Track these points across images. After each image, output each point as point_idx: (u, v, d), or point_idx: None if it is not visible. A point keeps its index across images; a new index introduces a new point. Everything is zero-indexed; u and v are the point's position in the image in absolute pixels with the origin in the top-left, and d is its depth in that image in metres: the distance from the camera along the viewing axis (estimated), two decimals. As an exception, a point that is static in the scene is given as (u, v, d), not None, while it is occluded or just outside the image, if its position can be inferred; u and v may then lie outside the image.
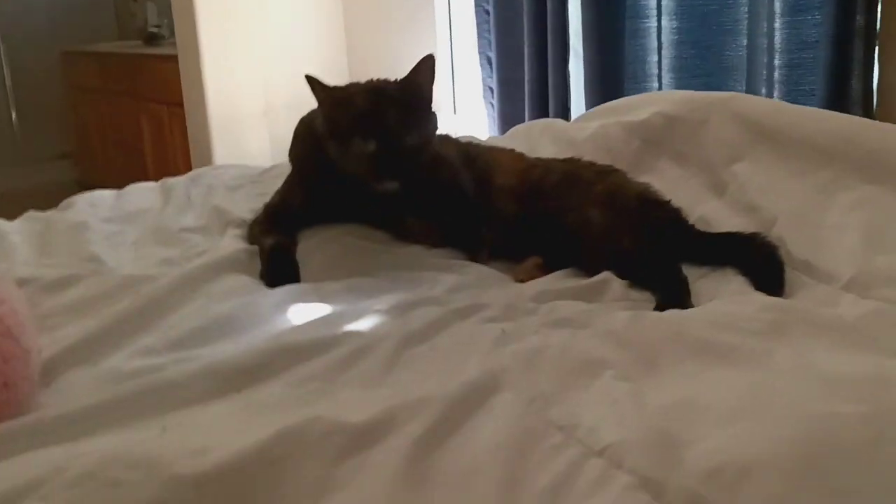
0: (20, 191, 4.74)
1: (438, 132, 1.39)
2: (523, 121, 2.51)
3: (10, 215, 1.58)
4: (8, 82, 5.05)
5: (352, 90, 1.33)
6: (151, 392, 0.88)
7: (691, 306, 1.16)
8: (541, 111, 2.51)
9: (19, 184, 4.87)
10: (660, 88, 2.24)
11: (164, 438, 0.78)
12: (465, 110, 3.03)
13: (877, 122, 1.37)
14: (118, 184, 3.98)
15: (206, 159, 3.15)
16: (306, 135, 1.43)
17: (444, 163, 1.43)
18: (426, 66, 1.32)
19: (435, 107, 1.37)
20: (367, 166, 1.28)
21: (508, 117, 2.66)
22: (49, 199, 1.81)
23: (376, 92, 1.32)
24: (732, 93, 1.68)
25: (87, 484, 0.69)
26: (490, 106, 2.77)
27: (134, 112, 3.96)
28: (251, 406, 0.87)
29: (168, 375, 0.92)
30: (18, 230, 1.49)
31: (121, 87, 4.08)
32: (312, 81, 1.31)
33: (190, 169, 3.26)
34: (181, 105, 3.33)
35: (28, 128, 5.12)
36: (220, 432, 0.80)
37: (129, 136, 4.06)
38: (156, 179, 3.72)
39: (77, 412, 0.84)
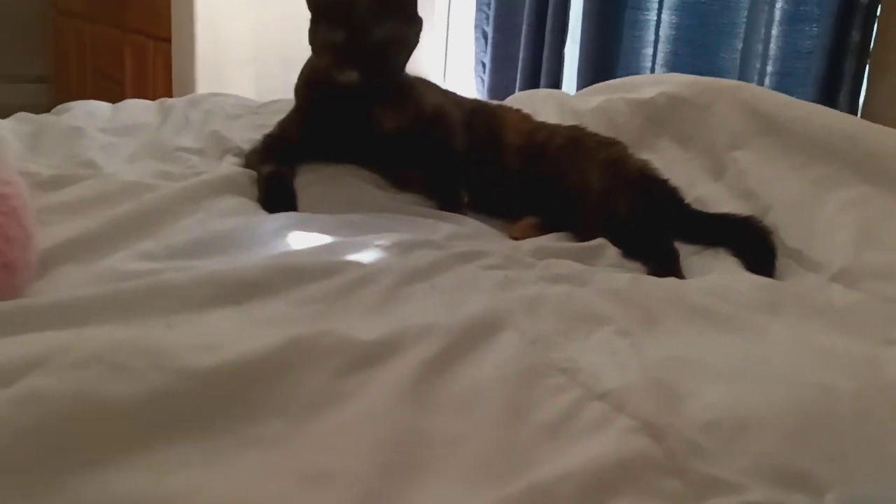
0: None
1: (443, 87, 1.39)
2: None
3: None
4: (-9, 2, 4.91)
5: None
6: (152, 292, 0.87)
7: (683, 277, 1.18)
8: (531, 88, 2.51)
9: (-9, 100, 4.75)
10: (657, 78, 2.25)
11: (170, 333, 0.77)
12: (455, 82, 3.02)
13: (880, 126, 1.39)
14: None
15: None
16: (310, 71, 1.42)
17: (441, 116, 1.43)
18: None
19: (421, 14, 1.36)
20: (329, 54, 1.29)
21: (497, 93, 2.65)
22: None
23: None
24: (740, 82, 1.70)
25: (93, 366, 0.67)
26: (480, 81, 2.77)
27: (118, 43, 3.86)
28: (253, 318, 0.86)
29: (167, 279, 0.90)
30: (9, 128, 1.44)
31: (107, 15, 3.98)
32: None
33: (172, 104, 3.22)
34: (168, 40, 3.26)
35: (5, 46, 4.97)
36: (226, 335, 0.79)
37: (110, 68, 3.95)
38: (134, 111, 3.63)
39: (76, 301, 0.82)
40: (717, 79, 1.68)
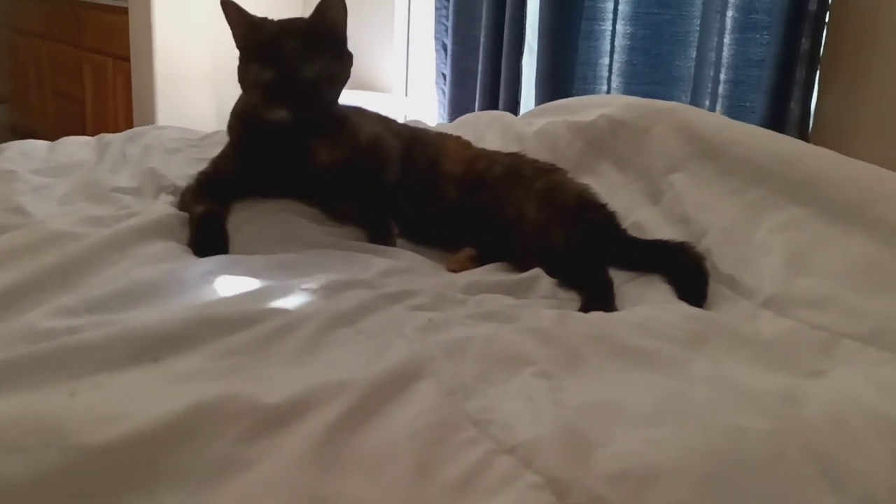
0: (-51, 130, 4.57)
1: (385, 114, 1.39)
2: (473, 109, 2.54)
3: None
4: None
5: (263, 20, 1.34)
6: (65, 354, 0.85)
7: (615, 309, 1.19)
8: (491, 102, 2.53)
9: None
10: (608, 92, 2.28)
11: (72, 403, 0.76)
12: (416, 95, 3.02)
13: (816, 148, 1.41)
14: (54, 133, 3.88)
15: (149, 115, 3.09)
16: (242, 107, 1.42)
17: (375, 147, 1.43)
18: (336, 3, 1.33)
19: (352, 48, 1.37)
20: (259, 93, 1.30)
21: (459, 105, 2.68)
22: None
23: (283, 23, 1.33)
24: (678, 103, 1.72)
25: (-16, 444, 0.66)
26: (441, 92, 2.78)
27: (76, 62, 3.86)
28: (167, 376, 0.86)
29: (84, 338, 0.89)
30: (-59, 172, 1.43)
31: (64, 34, 3.96)
32: (227, 5, 1.32)
33: (131, 123, 3.21)
34: (127, 59, 3.25)
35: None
36: (132, 401, 0.78)
37: (70, 86, 3.95)
38: (94, 131, 3.64)
39: (-18, 369, 0.82)
40: (657, 101, 1.69)
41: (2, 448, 0.67)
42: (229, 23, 1.32)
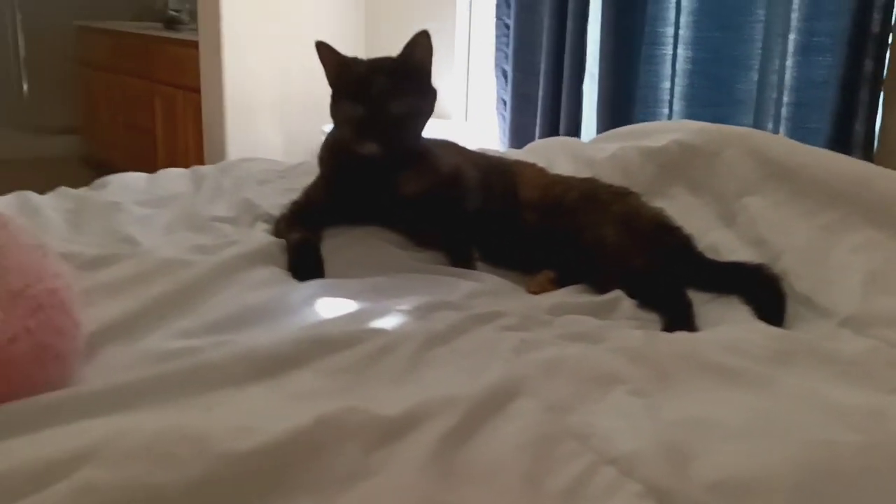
0: (26, 160, 4.78)
1: (463, 145, 1.45)
2: (534, 134, 2.58)
3: (15, 182, 1.60)
4: (22, 52, 5.10)
5: (354, 60, 1.42)
6: (192, 372, 0.93)
7: (697, 329, 1.22)
8: (552, 127, 2.57)
9: (25, 153, 4.92)
10: (670, 115, 2.30)
11: (209, 417, 0.83)
12: (476, 120, 3.09)
13: (886, 170, 1.43)
14: (125, 163, 4.04)
15: (219, 145, 3.19)
16: (333, 141, 1.50)
17: (456, 178, 1.50)
18: (421, 41, 1.40)
19: (435, 84, 1.44)
20: (351, 128, 1.37)
21: (519, 130, 2.72)
22: (53, 170, 1.87)
23: (373, 62, 1.41)
24: (749, 129, 1.75)
25: (142, 455, 0.73)
26: (502, 118, 2.83)
27: (147, 94, 3.99)
28: (286, 392, 0.93)
29: (207, 357, 0.97)
30: (52, 205, 1.53)
31: (134, 67, 4.12)
32: (321, 46, 1.40)
33: (201, 153, 3.33)
34: (196, 90, 3.36)
35: (38, 99, 5.16)
36: (261, 415, 0.85)
37: (141, 118, 4.09)
38: (165, 161, 3.78)
39: (121, 387, 0.89)
40: (727, 126, 1.72)
41: (153, 456, 0.74)
42: (322, 62, 1.40)
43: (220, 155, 3.17)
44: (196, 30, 3.29)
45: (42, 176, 1.69)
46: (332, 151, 1.49)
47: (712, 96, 2.21)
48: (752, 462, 0.81)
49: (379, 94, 1.35)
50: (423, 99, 1.42)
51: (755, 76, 2.15)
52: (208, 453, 0.74)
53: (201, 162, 3.31)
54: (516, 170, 1.60)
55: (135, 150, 4.19)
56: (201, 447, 0.75)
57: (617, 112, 2.37)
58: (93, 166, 4.66)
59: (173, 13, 4.28)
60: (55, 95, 5.12)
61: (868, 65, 1.86)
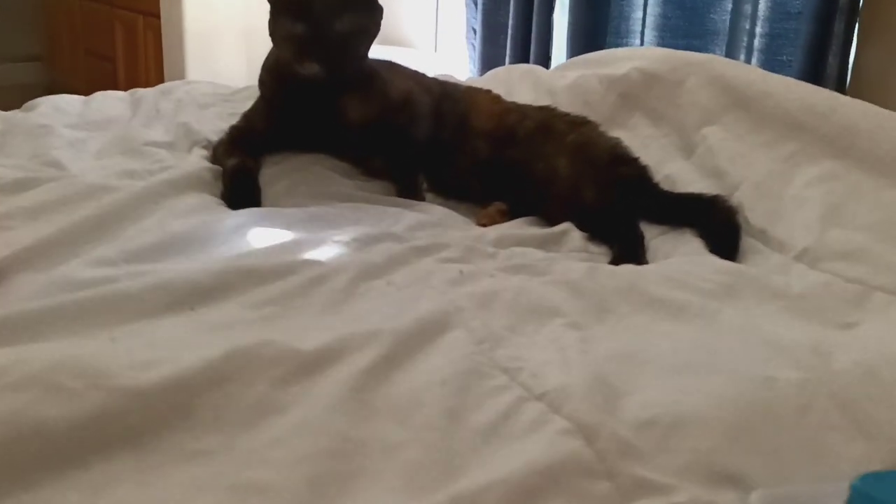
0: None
1: (416, 69, 1.38)
2: (504, 64, 2.51)
3: None
4: (-20, -21, 4.91)
5: None
6: (103, 302, 0.88)
7: (646, 263, 1.19)
8: (522, 57, 2.51)
9: (-15, 81, 4.78)
10: (642, 45, 2.24)
11: (112, 348, 0.79)
12: (446, 49, 3.01)
13: (851, 100, 1.38)
14: (87, 90, 3.90)
15: (180, 72, 3.10)
16: (273, 62, 1.42)
17: (405, 104, 1.43)
18: None
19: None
20: (291, 47, 1.30)
21: (489, 60, 2.65)
22: (15, 99, 1.79)
23: None
24: (713, 55, 1.69)
25: (29, 388, 0.68)
26: (472, 47, 2.76)
27: (108, 19, 3.88)
28: (204, 324, 0.88)
29: (121, 287, 0.91)
30: (-22, 128, 1.45)
31: (96, -10, 3.98)
32: None
33: (162, 80, 3.22)
34: (157, 16, 3.26)
35: (-1, 26, 4.99)
36: (170, 347, 0.80)
37: (102, 44, 3.97)
38: (126, 88, 3.65)
39: (26, 315, 0.84)
40: (691, 53, 1.66)
41: (47, 389, 0.69)
42: None
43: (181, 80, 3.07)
44: (157, -48, 3.16)
45: (6, 105, 1.61)
46: (273, 73, 1.41)
47: (684, 26, 2.16)
48: (684, 399, 0.78)
49: (322, 10, 1.27)
50: (369, 17, 1.34)
51: (728, 6, 2.10)
52: (104, 386, 0.70)
53: (162, 89, 3.22)
54: (470, 97, 1.53)
55: (96, 77, 4.07)
56: (97, 380, 0.70)
57: (588, 42, 2.31)
58: (54, 93, 4.52)
59: (133, -65, 4.11)
60: (16, 23, 4.95)
61: (844, -5, 1.81)
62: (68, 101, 1.68)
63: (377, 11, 1.35)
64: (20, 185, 1.19)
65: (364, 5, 1.33)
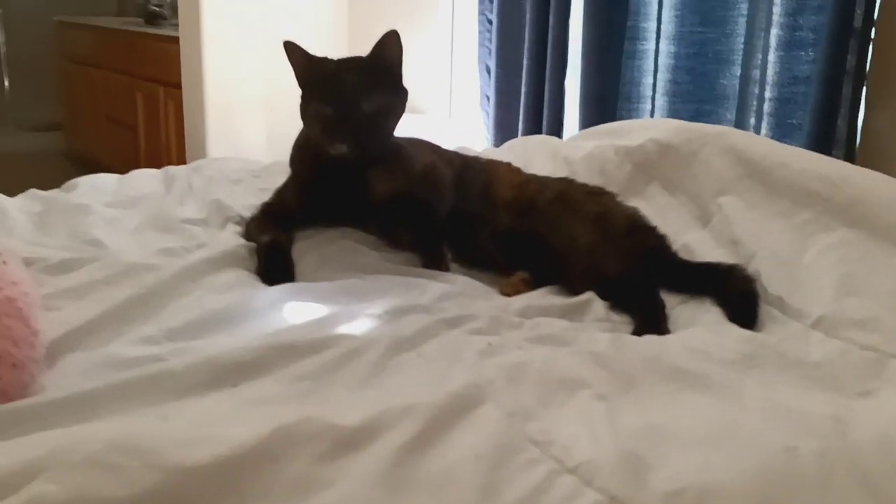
0: (7, 156, 4.76)
1: (437, 142, 1.44)
2: (517, 130, 2.58)
3: None
4: (3, 48, 5.07)
5: (323, 59, 1.41)
6: (151, 380, 0.92)
7: (667, 332, 1.22)
8: (535, 122, 2.56)
9: (7, 148, 4.90)
10: (653, 110, 2.29)
11: (163, 427, 0.82)
12: (460, 115, 3.08)
13: (862, 170, 1.42)
14: (108, 158, 4.01)
15: (201, 142, 3.17)
16: (304, 141, 1.49)
17: (429, 177, 1.49)
18: (391, 41, 1.39)
19: (407, 85, 1.44)
20: (321, 128, 1.37)
21: (503, 126, 2.72)
22: (37, 166, 1.87)
23: (342, 61, 1.40)
24: (726, 127, 1.74)
25: (91, 468, 0.72)
26: (486, 114, 2.83)
27: (129, 89, 3.98)
28: (246, 400, 0.92)
29: (167, 365, 0.96)
30: (20, 208, 1.52)
31: (117, 63, 4.10)
32: (289, 46, 1.39)
33: (182, 149, 3.31)
34: (178, 87, 3.35)
35: (20, 95, 5.14)
36: (217, 424, 0.83)
37: (123, 113, 4.07)
38: (147, 157, 3.75)
39: (80, 396, 0.88)
40: (704, 125, 1.71)
41: (106, 469, 0.72)
42: (291, 62, 1.39)
43: (201, 151, 3.15)
44: (177, 25, 3.26)
45: (23, 172, 1.68)
46: (303, 152, 1.48)
47: (695, 91, 2.20)
48: (710, 470, 0.80)
49: (349, 93, 1.34)
50: (395, 98, 1.41)
51: (738, 71, 2.14)
52: (159, 465, 0.73)
53: (183, 158, 3.30)
54: (490, 169, 1.59)
55: (117, 146, 4.17)
56: (153, 458, 0.74)
57: (600, 107, 2.36)
58: (75, 162, 4.64)
59: (154, 8, 4.25)
60: (37, 91, 5.11)
61: (850, 60, 1.85)
62: (105, 180, 1.75)
63: (402, 92, 1.42)
64: (64, 266, 1.24)
65: (390, 87, 1.40)
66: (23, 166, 4.43)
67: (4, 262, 0.99)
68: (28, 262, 1.21)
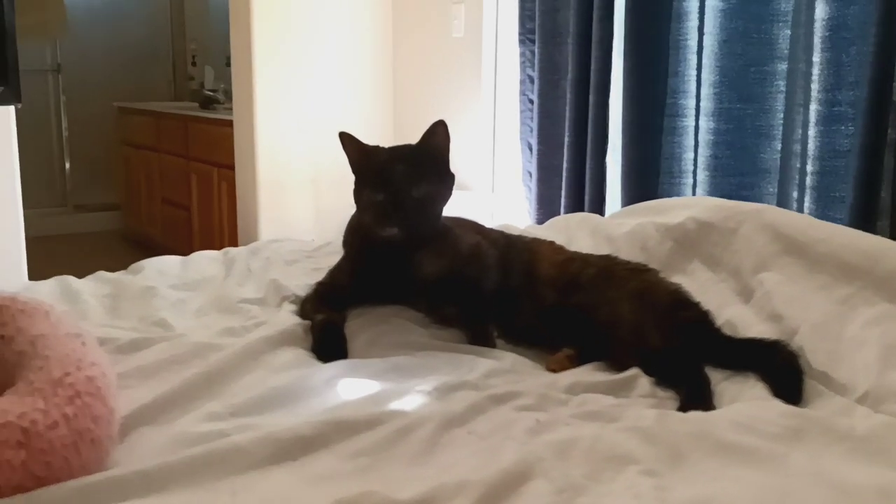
0: (69, 236, 4.96)
1: (481, 218, 1.50)
2: (560, 205, 2.63)
3: (59, 257, 1.69)
4: (65, 133, 5.32)
5: (375, 148, 1.49)
6: (218, 456, 0.97)
7: (713, 408, 1.24)
8: (577, 198, 2.61)
9: (68, 229, 5.11)
10: (694, 185, 2.32)
11: (235, 502, 0.87)
12: (503, 191, 3.15)
13: (898, 244, 1.45)
14: (163, 236, 4.13)
15: (252, 220, 3.28)
16: (357, 225, 1.57)
17: (475, 257, 1.56)
18: (439, 129, 1.47)
19: (454, 170, 1.51)
20: (373, 213, 1.44)
21: (545, 201, 2.77)
22: (94, 245, 1.97)
23: (393, 150, 1.49)
24: (763, 204, 1.77)
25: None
26: (528, 189, 2.89)
27: (184, 171, 4.14)
28: (308, 476, 0.96)
29: (233, 441, 1.01)
30: (90, 290, 1.61)
31: (172, 145, 4.28)
32: (344, 136, 1.48)
33: (234, 228, 3.42)
34: (231, 167, 3.48)
35: (80, 178, 5.37)
36: (284, 500, 0.88)
37: (177, 194, 4.23)
38: (200, 236, 3.85)
39: (153, 471, 0.93)
40: (742, 203, 1.75)
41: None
42: (346, 151, 1.48)
43: (252, 229, 3.25)
44: (231, 109, 3.42)
45: (84, 251, 1.78)
46: (356, 234, 1.56)
47: (736, 165, 2.22)
48: (759, 545, 0.83)
49: (399, 180, 1.42)
50: (442, 184, 1.49)
51: (778, 145, 2.15)
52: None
53: (234, 236, 3.41)
54: (534, 247, 1.65)
55: (171, 226, 4.32)
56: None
57: (641, 183, 2.39)
58: (132, 241, 4.81)
59: (209, 93, 4.45)
60: (95, 174, 5.33)
61: (891, 133, 1.87)
62: (169, 263, 1.84)
63: (450, 178, 1.50)
64: (135, 346, 1.32)
65: (438, 174, 1.48)
66: (84, 245, 4.62)
67: (84, 344, 1.06)
68: (101, 342, 1.28)
